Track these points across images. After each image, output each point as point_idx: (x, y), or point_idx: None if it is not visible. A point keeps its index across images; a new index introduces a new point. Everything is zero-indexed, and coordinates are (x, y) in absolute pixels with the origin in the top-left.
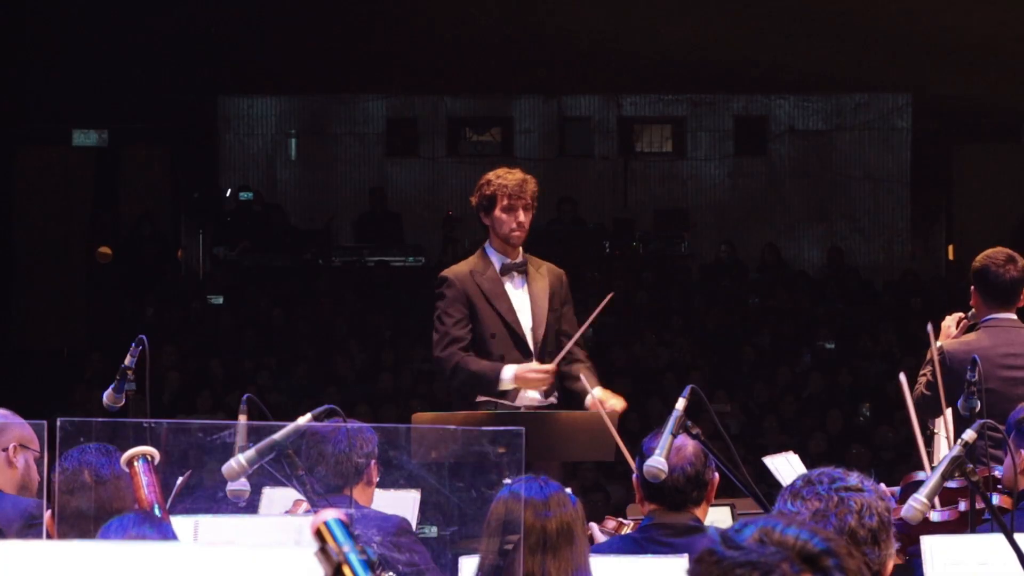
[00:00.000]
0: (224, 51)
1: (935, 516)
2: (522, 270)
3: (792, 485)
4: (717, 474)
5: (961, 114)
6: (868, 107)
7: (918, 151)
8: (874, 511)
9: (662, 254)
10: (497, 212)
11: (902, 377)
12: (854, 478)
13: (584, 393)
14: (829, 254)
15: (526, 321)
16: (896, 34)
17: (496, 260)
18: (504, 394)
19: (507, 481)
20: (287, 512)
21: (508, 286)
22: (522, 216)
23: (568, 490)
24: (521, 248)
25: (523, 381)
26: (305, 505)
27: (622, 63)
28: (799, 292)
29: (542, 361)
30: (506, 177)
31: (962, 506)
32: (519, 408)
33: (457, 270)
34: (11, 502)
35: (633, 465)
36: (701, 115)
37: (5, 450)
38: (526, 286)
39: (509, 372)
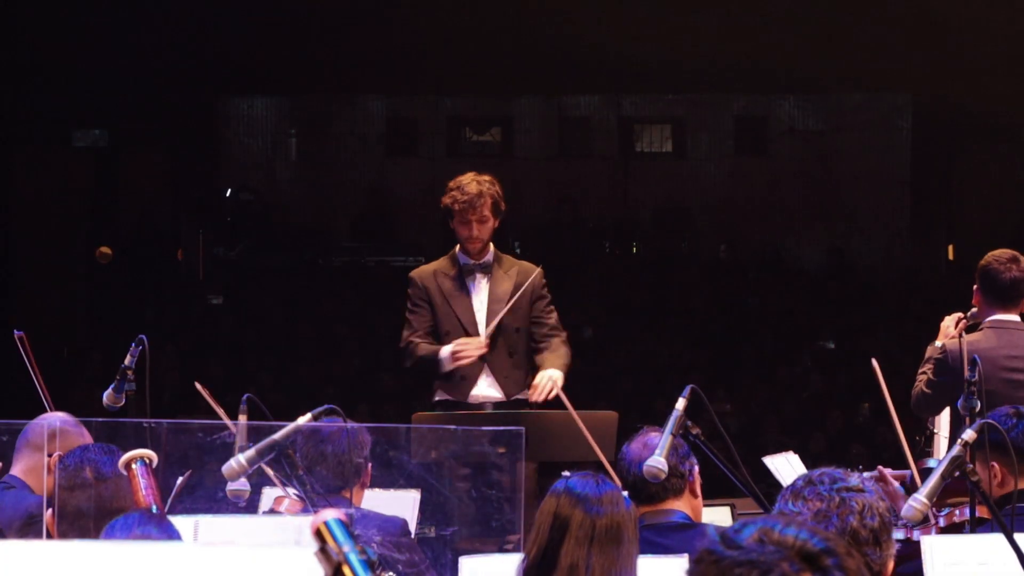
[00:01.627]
0: (224, 51)
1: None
2: (486, 271)
3: (793, 485)
4: (696, 466)
5: (961, 114)
6: (868, 107)
7: (918, 151)
8: (875, 511)
9: (662, 254)
10: (454, 223)
11: (874, 362)
12: (855, 478)
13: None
14: (829, 254)
15: (482, 320)
16: (896, 34)
17: (461, 261)
18: (455, 379)
19: (565, 474)
20: (270, 508)
21: (470, 286)
22: (475, 229)
23: (625, 493)
24: (492, 249)
25: (456, 356)
26: (287, 502)
27: (622, 63)
28: (799, 292)
29: (496, 367)
30: (463, 191)
31: (942, 522)
32: (483, 405)
33: (422, 270)
34: (16, 497)
35: (610, 470)
36: (701, 115)
37: (50, 456)
38: (488, 286)
39: (446, 351)
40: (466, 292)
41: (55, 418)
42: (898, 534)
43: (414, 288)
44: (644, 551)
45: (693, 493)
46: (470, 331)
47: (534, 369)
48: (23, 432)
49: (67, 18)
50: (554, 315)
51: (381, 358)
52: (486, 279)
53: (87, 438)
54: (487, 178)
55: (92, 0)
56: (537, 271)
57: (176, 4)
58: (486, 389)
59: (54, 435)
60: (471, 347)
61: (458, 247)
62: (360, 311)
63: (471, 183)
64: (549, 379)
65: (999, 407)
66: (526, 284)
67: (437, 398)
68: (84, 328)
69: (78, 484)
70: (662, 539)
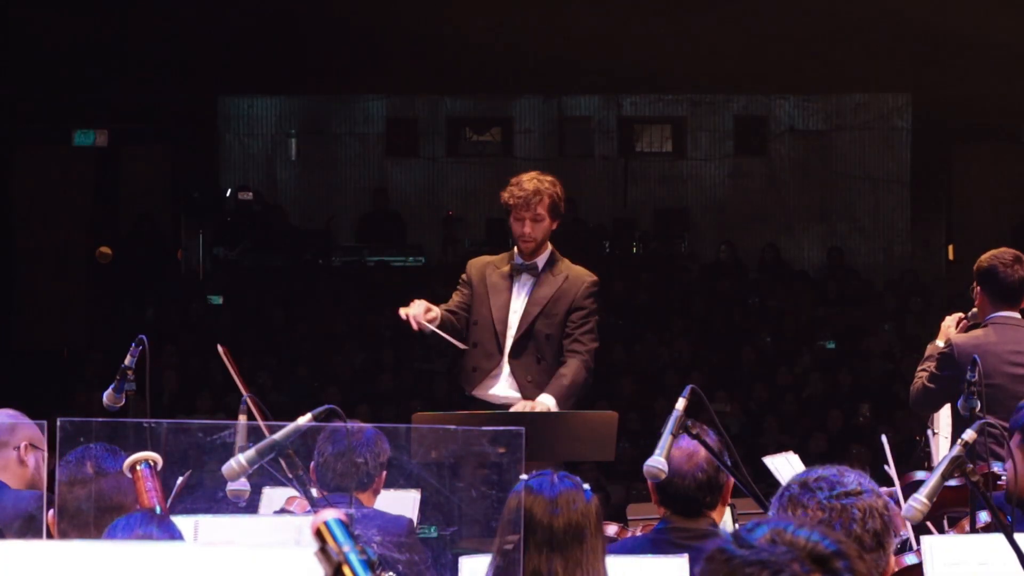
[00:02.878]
0: (224, 51)
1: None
2: (534, 273)
3: (788, 489)
4: (732, 477)
5: (961, 114)
6: (868, 107)
7: (918, 151)
8: (876, 512)
9: (662, 254)
10: (510, 220)
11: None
12: (851, 479)
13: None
14: (829, 254)
15: (514, 319)
16: (896, 34)
17: (515, 259)
18: (467, 370)
19: (523, 477)
20: (282, 508)
21: (515, 286)
22: (528, 227)
23: (586, 486)
24: (550, 250)
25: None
26: (300, 500)
27: (622, 63)
28: (799, 292)
29: (519, 370)
30: (521, 187)
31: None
32: (502, 405)
33: (478, 260)
34: (12, 496)
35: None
36: (701, 115)
37: (17, 448)
38: (531, 289)
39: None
40: (508, 290)
41: (6, 414)
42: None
43: (464, 275)
44: (666, 551)
45: (724, 501)
46: (498, 328)
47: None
48: None
49: (67, 18)
50: (585, 328)
51: (381, 358)
52: (532, 281)
53: (36, 428)
54: (549, 178)
55: (92, 0)
56: (587, 282)
57: (177, 3)
58: (506, 391)
59: (13, 428)
60: (411, 308)
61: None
62: (360, 311)
63: (530, 180)
64: (540, 405)
65: (1005, 402)
66: (567, 292)
67: (464, 394)
68: (84, 328)
69: (78, 480)
70: (685, 542)
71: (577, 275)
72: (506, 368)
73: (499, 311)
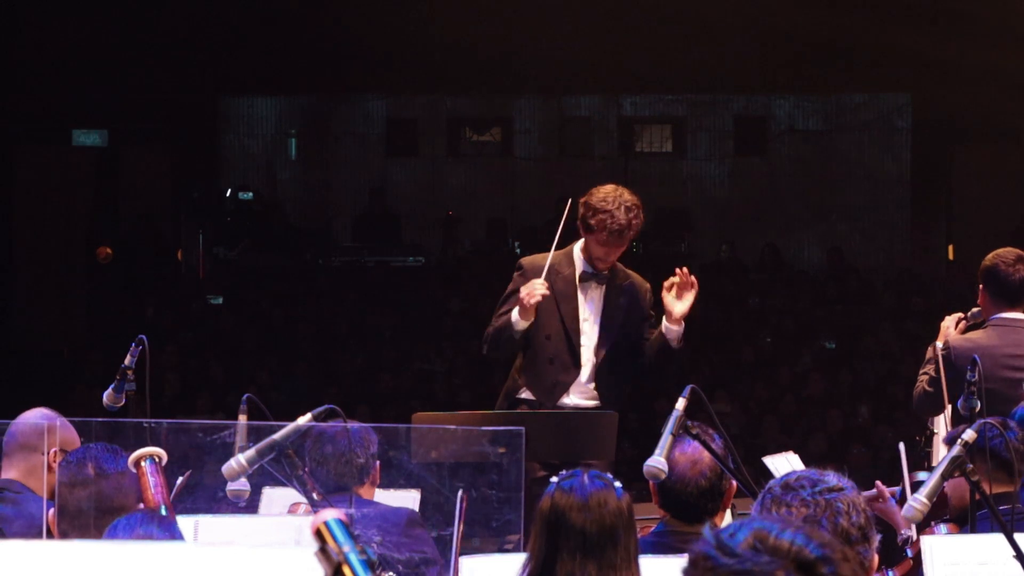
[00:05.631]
0: (224, 51)
1: None
2: (602, 281)
3: (770, 491)
4: (735, 481)
5: (961, 114)
6: (868, 107)
7: (918, 151)
8: (859, 508)
9: (662, 254)
10: (593, 241)
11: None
12: (831, 477)
13: (664, 336)
14: (829, 254)
15: (588, 331)
16: (896, 34)
17: (579, 265)
18: (547, 383)
19: (554, 480)
20: (287, 513)
21: (581, 293)
22: (613, 255)
23: (617, 484)
24: None
25: (521, 306)
26: (304, 507)
27: (622, 63)
28: (799, 292)
29: (597, 379)
30: (615, 218)
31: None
32: (564, 410)
33: (535, 261)
34: (36, 506)
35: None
36: (701, 115)
37: (45, 455)
38: (602, 298)
39: (515, 311)
40: (575, 298)
41: (41, 414)
42: None
43: (522, 277)
44: (662, 551)
45: (726, 507)
46: (572, 337)
47: (633, 381)
48: (8, 434)
49: (68, 18)
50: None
51: (381, 358)
52: (601, 288)
53: (75, 433)
54: (637, 208)
55: (92, 0)
56: (648, 289)
57: (177, 3)
58: (578, 400)
59: (50, 431)
60: (535, 287)
61: (578, 247)
62: (360, 311)
63: (621, 208)
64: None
65: (1000, 406)
66: (636, 301)
67: (521, 395)
68: (84, 328)
69: (79, 481)
70: (685, 545)
71: (637, 282)
72: (584, 378)
73: (571, 322)
